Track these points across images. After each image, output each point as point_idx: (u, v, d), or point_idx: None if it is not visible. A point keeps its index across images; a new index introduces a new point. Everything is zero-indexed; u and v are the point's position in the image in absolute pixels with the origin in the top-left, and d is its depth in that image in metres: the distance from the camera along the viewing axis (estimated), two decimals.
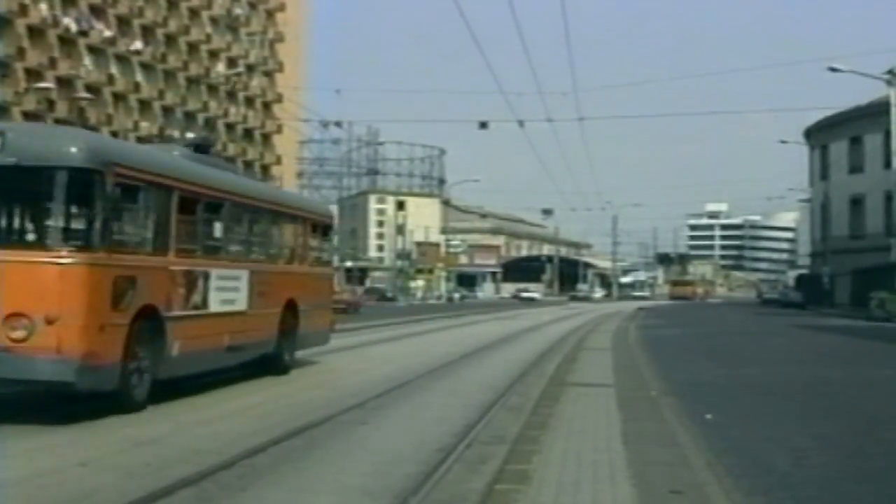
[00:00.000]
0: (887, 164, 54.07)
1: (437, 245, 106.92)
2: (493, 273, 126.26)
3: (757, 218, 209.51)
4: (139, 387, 9.50)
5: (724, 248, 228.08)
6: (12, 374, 8.40)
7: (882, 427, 9.76)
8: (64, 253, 8.61)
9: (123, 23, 70.33)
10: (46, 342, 8.37)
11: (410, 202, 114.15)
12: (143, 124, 68.96)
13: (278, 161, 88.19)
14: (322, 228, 15.83)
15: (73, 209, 8.96)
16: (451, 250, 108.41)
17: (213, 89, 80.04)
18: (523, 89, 72.38)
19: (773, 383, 14.09)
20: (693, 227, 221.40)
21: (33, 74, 59.87)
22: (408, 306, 61.85)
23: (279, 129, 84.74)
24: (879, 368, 17.44)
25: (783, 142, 71.23)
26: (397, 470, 6.95)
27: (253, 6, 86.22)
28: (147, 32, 72.55)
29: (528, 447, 7.76)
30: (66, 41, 64.70)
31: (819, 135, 67.41)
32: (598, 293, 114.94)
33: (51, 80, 59.87)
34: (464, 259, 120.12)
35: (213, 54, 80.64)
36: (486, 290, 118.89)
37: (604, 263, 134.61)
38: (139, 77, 71.85)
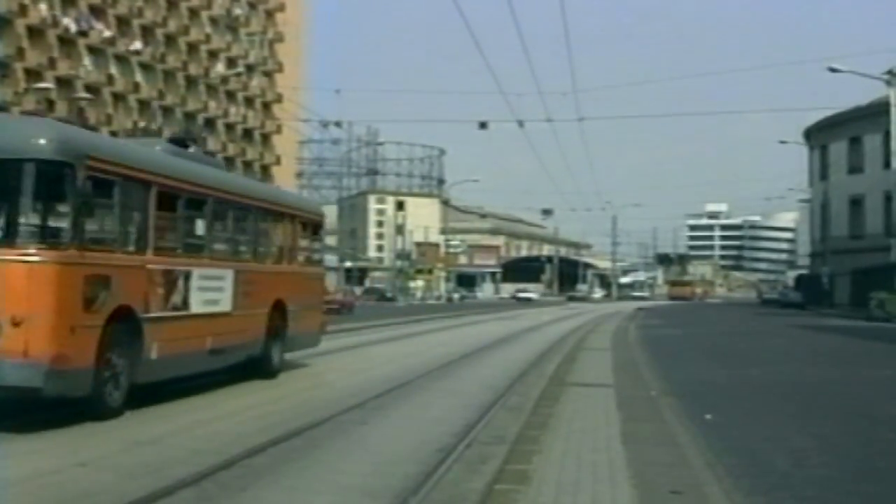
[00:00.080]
0: (887, 165, 54.15)
1: (436, 245, 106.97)
2: (493, 273, 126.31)
3: (757, 218, 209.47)
4: (114, 392, 8.99)
5: (723, 248, 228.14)
6: None
7: (882, 427, 9.76)
8: (32, 250, 8.15)
9: (123, 23, 70.32)
10: (12, 345, 7.90)
11: (410, 202, 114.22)
12: (142, 124, 68.94)
13: (278, 161, 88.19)
14: (312, 227, 15.35)
15: (42, 204, 8.46)
16: (451, 250, 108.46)
17: (212, 89, 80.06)
18: (523, 89, 72.53)
19: (772, 383, 14.10)
20: (693, 228, 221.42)
21: (33, 74, 59.87)
22: (407, 306, 61.84)
23: (279, 130, 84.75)
24: (879, 369, 17.44)
25: (783, 142, 71.36)
26: (397, 470, 6.95)
27: (253, 6, 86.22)
28: (146, 32, 72.55)
29: (528, 447, 7.76)
30: (66, 41, 64.69)
31: (819, 135, 67.42)
32: (598, 293, 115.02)
33: (50, 80, 59.88)
34: (463, 259, 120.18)
35: (213, 54, 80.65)
36: (485, 291, 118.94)
37: (603, 264, 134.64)
38: (139, 77, 71.86)
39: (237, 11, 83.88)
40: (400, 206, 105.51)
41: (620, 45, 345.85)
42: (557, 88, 73.96)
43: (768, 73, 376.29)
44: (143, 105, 71.77)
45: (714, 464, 7.36)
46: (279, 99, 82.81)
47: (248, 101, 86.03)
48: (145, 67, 72.46)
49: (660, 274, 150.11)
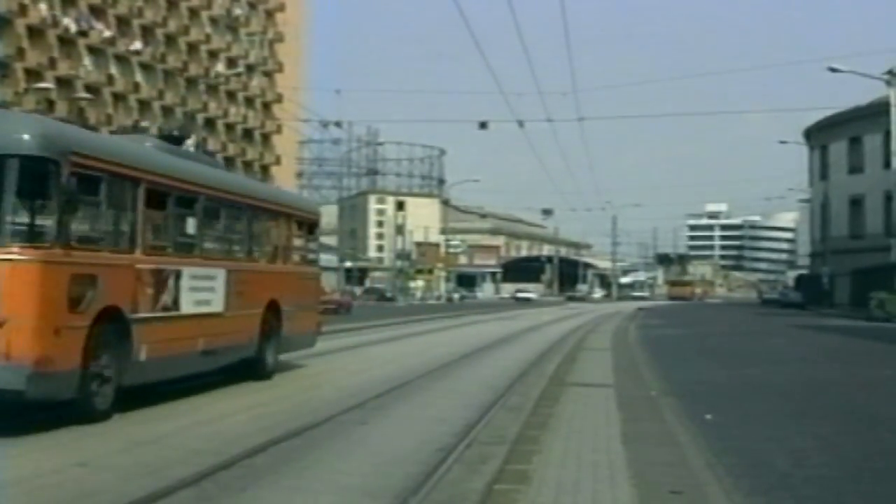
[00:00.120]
0: (887, 165, 54.14)
1: (436, 245, 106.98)
2: (493, 273, 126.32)
3: (757, 218, 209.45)
4: (101, 395, 8.75)
5: (723, 248, 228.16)
6: None
7: (882, 427, 9.76)
8: (15, 249, 7.92)
9: (123, 23, 70.34)
10: None
11: (410, 202, 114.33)
12: (143, 124, 68.97)
13: (278, 161, 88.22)
14: (308, 226, 15.12)
15: (25, 202, 8.21)
16: (451, 250, 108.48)
17: (212, 89, 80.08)
18: (523, 89, 72.38)
19: (772, 383, 14.09)
20: (693, 228, 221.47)
21: (33, 74, 59.87)
22: (407, 306, 61.84)
23: (279, 130, 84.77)
24: (879, 369, 17.43)
25: (783, 142, 71.41)
26: (397, 470, 6.95)
27: (253, 6, 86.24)
28: (147, 32, 72.58)
29: (528, 447, 7.76)
30: (66, 41, 64.70)
31: (819, 135, 67.43)
32: (598, 293, 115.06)
33: (50, 80, 59.88)
34: (463, 259, 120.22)
35: (213, 54, 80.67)
36: (485, 291, 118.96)
37: (604, 264, 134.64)
38: (139, 77, 71.87)
39: (237, 11, 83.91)
40: (400, 206, 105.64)
41: (620, 45, 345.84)
42: (557, 88, 74.02)
43: (768, 73, 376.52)
44: (144, 105, 71.79)
45: (714, 464, 7.36)
46: (279, 99, 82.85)
47: (248, 101, 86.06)
48: (145, 67, 72.48)
49: (660, 274, 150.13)
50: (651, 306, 69.52)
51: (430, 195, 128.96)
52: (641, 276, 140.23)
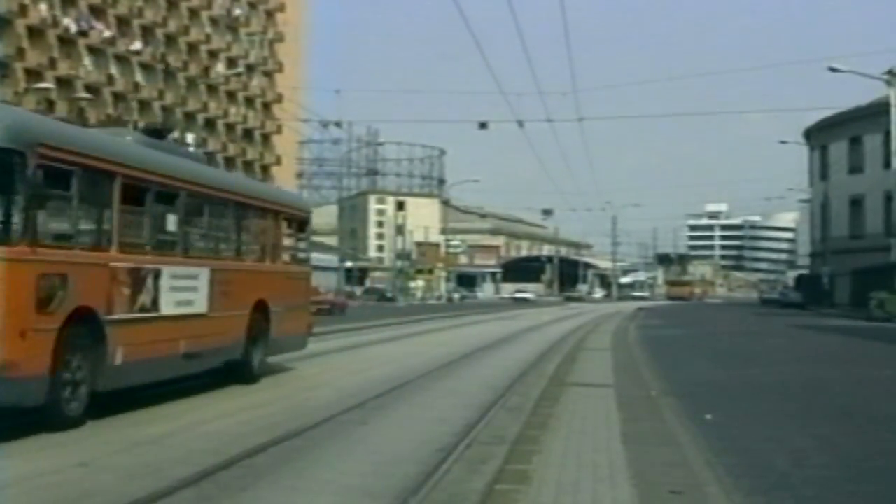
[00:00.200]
0: (887, 165, 54.11)
1: (436, 245, 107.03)
2: (493, 273, 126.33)
3: (757, 218, 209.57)
4: (73, 401, 8.30)
5: (723, 248, 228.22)
6: None
7: (882, 427, 9.76)
8: None
9: (123, 23, 70.37)
10: None
11: (410, 202, 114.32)
12: (142, 124, 69.00)
13: (278, 161, 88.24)
14: (298, 223, 14.59)
15: None
16: (451, 250, 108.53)
17: (212, 89, 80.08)
18: (523, 89, 72.52)
19: (772, 383, 14.09)
20: (693, 228, 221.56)
21: (33, 75, 59.88)
22: (407, 307, 61.85)
23: (279, 130, 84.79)
24: (879, 369, 17.43)
25: (783, 142, 71.42)
26: (397, 470, 6.95)
27: (253, 6, 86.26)
28: (147, 33, 72.59)
29: (528, 447, 7.75)
30: (66, 41, 64.71)
31: (819, 135, 67.43)
32: (598, 293, 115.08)
33: (50, 80, 59.90)
34: (463, 259, 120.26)
35: (213, 54, 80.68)
36: (485, 291, 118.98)
37: (604, 264, 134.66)
38: (139, 77, 71.88)
39: (237, 12, 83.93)
40: (400, 206, 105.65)
41: (620, 45, 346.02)
42: (557, 88, 74.18)
43: (768, 73, 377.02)
44: (144, 105, 71.81)
45: (714, 464, 7.36)
46: (279, 99, 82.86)
47: (248, 102, 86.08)
48: (145, 67, 72.48)
49: (660, 274, 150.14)
50: (651, 306, 69.52)
51: (430, 195, 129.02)
52: (641, 276, 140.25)
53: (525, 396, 11.42)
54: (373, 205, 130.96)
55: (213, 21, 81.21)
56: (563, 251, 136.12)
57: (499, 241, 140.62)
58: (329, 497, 6.23)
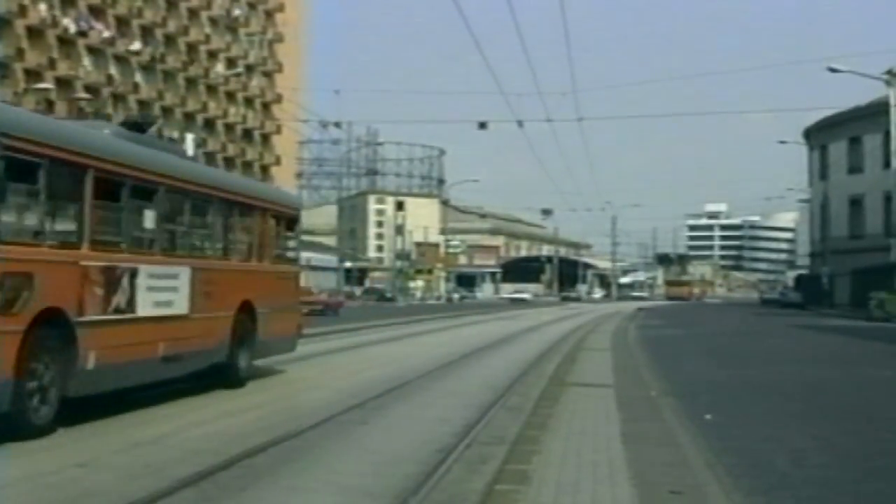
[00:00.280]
0: (887, 165, 54.10)
1: (436, 245, 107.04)
2: (493, 273, 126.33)
3: (756, 218, 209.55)
4: (41, 408, 7.86)
5: (723, 248, 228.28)
6: None
7: (882, 427, 9.75)
8: None
9: (122, 23, 70.39)
10: None
11: (410, 202, 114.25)
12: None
13: (277, 161, 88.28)
14: (286, 221, 14.05)
15: None
16: (451, 251, 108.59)
17: (212, 90, 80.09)
18: (523, 89, 72.21)
19: (772, 383, 14.09)
20: (692, 228, 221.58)
21: (32, 75, 59.90)
22: (407, 307, 61.84)
23: (278, 130, 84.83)
24: (879, 369, 17.43)
25: (783, 142, 71.38)
26: (397, 470, 6.94)
27: (252, 6, 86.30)
28: (146, 33, 72.60)
29: (528, 447, 7.75)
30: (66, 42, 64.73)
31: (818, 135, 67.44)
32: (598, 293, 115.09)
33: (50, 80, 59.93)
34: (463, 259, 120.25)
35: (213, 55, 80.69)
36: (485, 291, 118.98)
37: (603, 264, 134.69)
38: (138, 77, 71.89)
39: (237, 12, 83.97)
40: (400, 206, 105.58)
41: (620, 45, 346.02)
42: (557, 88, 74.01)
43: (768, 73, 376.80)
44: (144, 105, 71.82)
45: (714, 464, 7.35)
46: (279, 99, 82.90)
47: (248, 102, 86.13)
48: (145, 68, 72.50)
49: (660, 274, 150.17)
50: (651, 306, 69.56)
51: (429, 195, 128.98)
52: (641, 276, 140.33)
53: (525, 396, 11.42)
54: (372, 205, 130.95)
55: (213, 21, 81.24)
56: (563, 251, 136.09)
57: (498, 241, 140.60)
58: (329, 497, 6.22)
